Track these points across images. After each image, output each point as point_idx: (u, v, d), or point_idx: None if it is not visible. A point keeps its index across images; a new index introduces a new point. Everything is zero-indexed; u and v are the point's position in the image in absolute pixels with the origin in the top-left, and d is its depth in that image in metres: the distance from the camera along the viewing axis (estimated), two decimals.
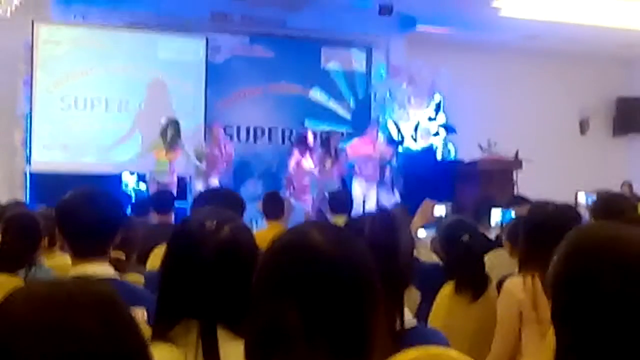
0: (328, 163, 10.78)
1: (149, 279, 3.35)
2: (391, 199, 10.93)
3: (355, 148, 11.03)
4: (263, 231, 5.94)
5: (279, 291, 1.41)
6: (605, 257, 1.47)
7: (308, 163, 10.68)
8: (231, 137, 11.42)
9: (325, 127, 11.82)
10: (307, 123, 11.42)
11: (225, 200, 3.50)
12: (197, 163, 10.56)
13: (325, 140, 11.09)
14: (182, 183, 10.55)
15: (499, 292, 3.52)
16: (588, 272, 1.49)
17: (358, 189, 10.53)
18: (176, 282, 1.93)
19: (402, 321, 2.31)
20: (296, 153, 10.75)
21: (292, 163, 10.68)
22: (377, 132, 11.39)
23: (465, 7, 11.24)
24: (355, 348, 1.42)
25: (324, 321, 1.39)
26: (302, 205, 10.08)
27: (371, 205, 10.28)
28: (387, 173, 11.49)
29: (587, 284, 1.47)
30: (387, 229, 2.73)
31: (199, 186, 10.33)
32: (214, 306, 1.87)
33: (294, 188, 10.51)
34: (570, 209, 3.52)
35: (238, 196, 3.76)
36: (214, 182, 10.25)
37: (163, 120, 10.37)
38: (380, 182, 11.38)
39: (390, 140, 12.06)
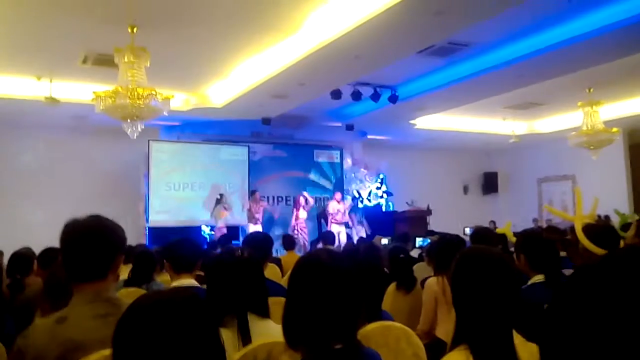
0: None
1: None
2: (359, 234, 10.82)
3: (330, 206, 10.89)
4: (284, 256, 5.94)
5: (304, 288, 1.45)
6: (473, 265, 1.51)
7: (302, 214, 10.59)
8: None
9: (318, 194, 11.78)
10: (307, 192, 11.31)
11: (262, 239, 3.47)
12: (243, 211, 10.50)
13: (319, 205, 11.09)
14: (236, 229, 10.47)
15: (422, 287, 3.49)
16: (464, 274, 1.52)
17: (335, 228, 10.35)
18: (219, 284, 1.93)
19: (380, 307, 2.32)
20: (294, 212, 10.64)
21: (292, 220, 10.55)
22: (342, 195, 11.26)
23: (395, 124, 11.39)
24: (350, 318, 1.43)
25: (331, 305, 1.40)
26: (303, 241, 10.03)
27: (342, 239, 10.07)
28: (355, 219, 11.37)
29: (464, 282, 1.52)
30: (374, 249, 2.75)
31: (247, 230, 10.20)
32: (243, 299, 1.86)
33: (298, 231, 10.36)
34: (459, 238, 3.52)
35: (269, 237, 3.73)
36: (255, 228, 10.11)
37: (218, 196, 10.45)
38: (349, 225, 11.31)
39: (353, 199, 12.05)
